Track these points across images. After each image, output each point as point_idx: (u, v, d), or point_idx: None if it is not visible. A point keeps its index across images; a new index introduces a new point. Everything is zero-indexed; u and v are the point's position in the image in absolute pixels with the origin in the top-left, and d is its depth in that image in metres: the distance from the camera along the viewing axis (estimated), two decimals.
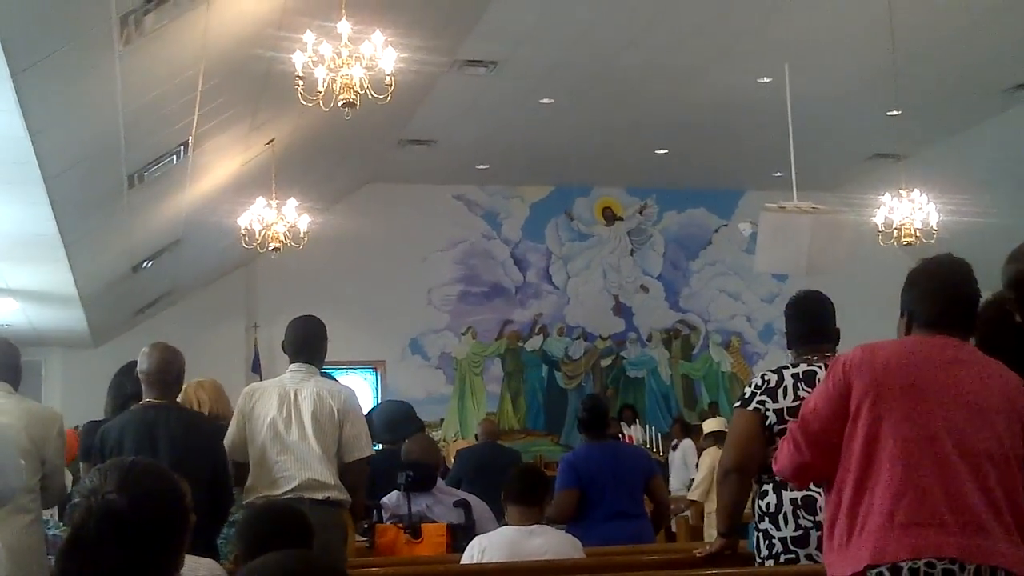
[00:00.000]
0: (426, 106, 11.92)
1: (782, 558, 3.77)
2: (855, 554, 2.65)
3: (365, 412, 5.16)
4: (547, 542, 4.31)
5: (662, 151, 14.42)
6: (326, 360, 4.93)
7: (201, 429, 4.61)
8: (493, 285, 16.08)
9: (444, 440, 13.95)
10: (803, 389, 3.75)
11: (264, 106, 9.40)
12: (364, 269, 15.19)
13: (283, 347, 4.87)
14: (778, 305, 15.85)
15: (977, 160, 13.57)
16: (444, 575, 4.42)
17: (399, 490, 5.40)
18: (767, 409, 3.77)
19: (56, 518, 5.71)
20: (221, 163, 10.32)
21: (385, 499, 5.44)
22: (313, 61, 6.91)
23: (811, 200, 10.84)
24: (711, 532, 8.65)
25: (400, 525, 5.24)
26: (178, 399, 4.78)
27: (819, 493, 3.56)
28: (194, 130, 8.44)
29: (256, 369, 14.40)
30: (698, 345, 16.66)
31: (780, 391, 3.79)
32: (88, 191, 8.49)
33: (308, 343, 4.84)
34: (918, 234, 11.28)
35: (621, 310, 16.46)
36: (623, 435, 12.97)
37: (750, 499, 3.97)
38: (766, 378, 3.85)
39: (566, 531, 4.88)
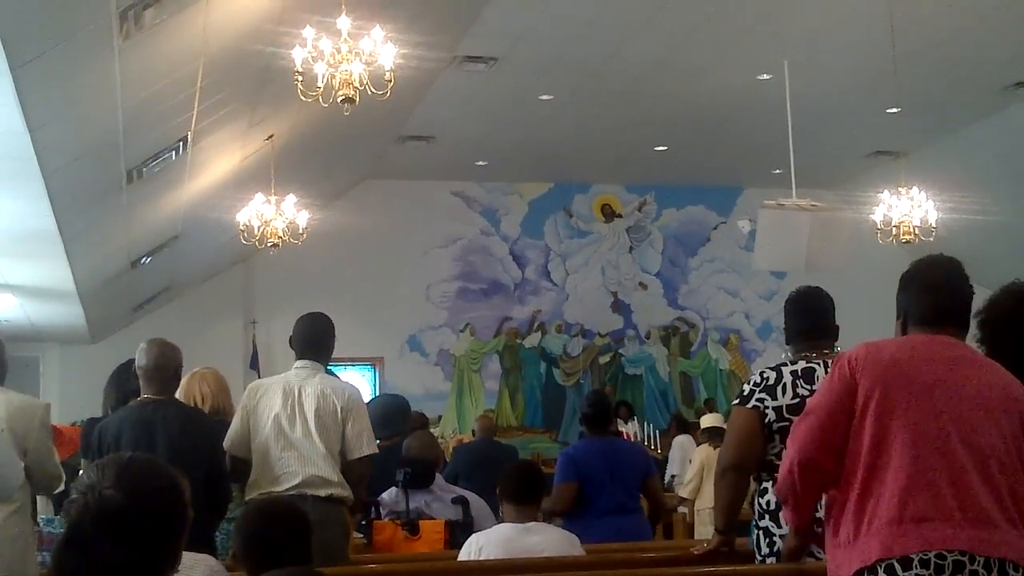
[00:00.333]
0: (425, 102, 11.91)
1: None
2: (864, 549, 2.67)
3: None
4: (545, 539, 4.30)
5: (661, 148, 14.42)
6: None
7: (199, 425, 4.61)
8: (492, 282, 16.09)
9: (442, 436, 13.95)
10: (802, 386, 3.74)
11: (263, 102, 9.39)
12: (363, 265, 15.19)
13: (290, 343, 4.88)
14: (776, 302, 15.92)
15: (976, 158, 13.57)
16: (442, 572, 4.41)
17: (397, 486, 5.40)
18: (766, 407, 3.76)
19: (52, 513, 5.71)
20: (220, 159, 10.31)
21: (383, 495, 5.44)
22: (313, 57, 6.91)
23: (810, 197, 10.87)
24: (701, 530, 8.68)
25: (398, 521, 5.24)
26: (177, 392, 4.78)
27: None
28: (193, 126, 8.43)
29: (254, 365, 14.41)
30: (696, 342, 16.67)
31: (779, 388, 3.78)
32: (87, 187, 8.49)
33: (316, 340, 4.85)
34: (917, 232, 11.29)
35: (619, 307, 16.47)
36: (622, 432, 12.97)
37: (750, 496, 3.97)
38: (765, 375, 3.84)
39: (563, 526, 4.88)
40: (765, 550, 3.82)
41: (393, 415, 6.49)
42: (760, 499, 3.86)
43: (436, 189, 15.65)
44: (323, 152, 12.59)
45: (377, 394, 14.41)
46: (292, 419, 4.63)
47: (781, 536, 3.75)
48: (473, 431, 10.53)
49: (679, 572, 4.08)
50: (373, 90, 6.96)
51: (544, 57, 11.00)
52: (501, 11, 9.69)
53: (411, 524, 5.18)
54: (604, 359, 16.31)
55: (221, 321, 14.57)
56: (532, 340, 16.13)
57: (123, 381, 5.00)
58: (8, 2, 5.16)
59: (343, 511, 4.66)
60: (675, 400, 16.33)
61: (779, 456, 3.34)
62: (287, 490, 4.48)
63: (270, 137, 10.54)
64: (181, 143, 8.75)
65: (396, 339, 15.52)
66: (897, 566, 2.62)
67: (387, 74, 6.92)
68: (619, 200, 16.60)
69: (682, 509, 9.39)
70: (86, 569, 2.00)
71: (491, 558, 4.18)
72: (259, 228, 11.03)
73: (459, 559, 4.31)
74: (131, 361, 4.75)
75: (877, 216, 11.45)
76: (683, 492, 9.22)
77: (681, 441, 11.67)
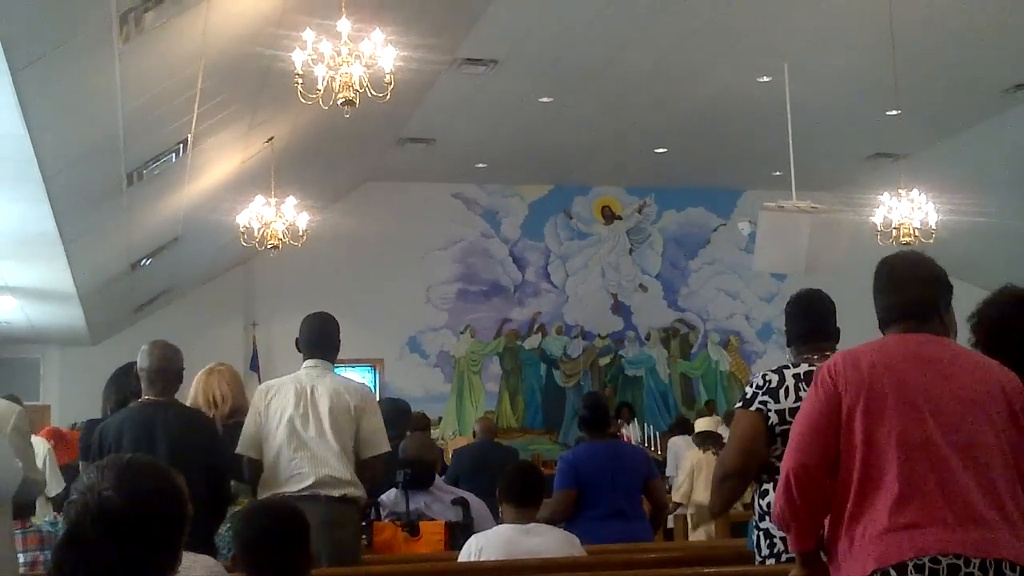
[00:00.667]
0: (426, 105, 11.92)
1: (783, 557, 3.75)
2: (860, 560, 2.65)
3: None
4: (545, 541, 4.30)
5: (661, 150, 14.42)
6: None
7: (199, 426, 4.61)
8: (492, 284, 16.09)
9: (442, 438, 13.96)
10: (804, 390, 3.72)
11: (263, 104, 9.40)
12: (363, 267, 15.20)
13: (296, 344, 4.90)
14: (776, 304, 15.90)
15: (976, 160, 13.57)
16: (442, 573, 4.42)
17: (397, 488, 5.40)
18: (769, 409, 3.74)
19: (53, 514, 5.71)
20: (220, 161, 10.32)
21: (383, 496, 5.44)
22: (313, 59, 6.91)
23: (810, 199, 10.85)
24: (693, 534, 8.66)
25: (398, 523, 5.24)
26: (190, 393, 4.79)
27: None
28: (193, 128, 8.43)
29: (254, 367, 14.39)
30: (696, 344, 16.67)
31: (782, 391, 3.76)
32: (87, 189, 8.49)
33: (323, 339, 4.88)
34: (917, 234, 11.28)
35: (620, 309, 16.47)
36: (621, 434, 12.96)
37: (750, 498, 3.96)
38: (767, 378, 3.82)
39: (563, 529, 4.87)
40: (765, 551, 3.82)
41: (392, 418, 6.49)
42: (760, 500, 3.85)
43: (436, 191, 15.66)
44: (323, 154, 12.59)
45: (377, 396, 14.41)
46: (305, 419, 4.64)
47: (782, 537, 3.74)
48: (474, 432, 10.52)
49: (679, 573, 4.08)
50: (373, 92, 6.96)
51: (544, 59, 11.00)
52: (501, 14, 9.69)
53: (411, 525, 5.18)
54: (604, 361, 16.31)
55: (221, 323, 14.56)
56: (532, 342, 16.13)
57: (123, 383, 5.00)
58: (8, 5, 5.16)
59: (356, 510, 4.68)
60: (675, 402, 16.33)
61: (780, 458, 3.33)
62: (300, 491, 4.48)
63: (270, 139, 10.55)
64: (181, 145, 8.76)
65: (396, 341, 15.52)
66: (893, 573, 2.60)
67: (387, 76, 6.92)
68: (619, 202, 16.61)
69: (681, 511, 9.34)
70: (86, 570, 2.00)
71: (491, 559, 4.18)
72: (259, 230, 11.03)
73: (459, 560, 4.31)
74: (131, 363, 4.76)
75: (877, 218, 11.44)
76: (675, 496, 9.12)
77: (675, 443, 11.62)
